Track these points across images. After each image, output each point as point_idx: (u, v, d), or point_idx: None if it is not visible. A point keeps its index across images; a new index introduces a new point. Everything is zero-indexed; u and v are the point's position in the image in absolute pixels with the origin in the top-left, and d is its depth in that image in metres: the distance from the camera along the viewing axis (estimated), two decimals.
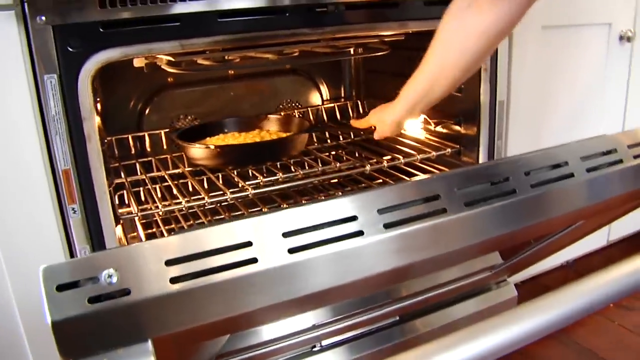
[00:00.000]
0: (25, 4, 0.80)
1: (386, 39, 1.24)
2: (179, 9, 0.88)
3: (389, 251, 0.55)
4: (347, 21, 1.02)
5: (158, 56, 1.06)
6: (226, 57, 1.12)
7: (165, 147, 1.45)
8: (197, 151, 1.22)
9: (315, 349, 1.10)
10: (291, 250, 0.50)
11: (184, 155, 1.33)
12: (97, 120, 0.91)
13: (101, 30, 0.85)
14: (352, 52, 1.32)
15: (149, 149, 1.44)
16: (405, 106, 1.01)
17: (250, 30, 0.94)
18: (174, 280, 0.44)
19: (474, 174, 0.61)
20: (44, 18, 0.81)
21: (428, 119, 1.40)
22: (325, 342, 1.10)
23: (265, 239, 0.49)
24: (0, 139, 0.83)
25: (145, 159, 1.37)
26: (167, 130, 1.44)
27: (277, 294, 0.49)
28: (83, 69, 0.85)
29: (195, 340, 0.58)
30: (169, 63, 1.06)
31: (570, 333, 1.47)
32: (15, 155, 0.85)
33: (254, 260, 0.48)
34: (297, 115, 1.59)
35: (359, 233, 0.53)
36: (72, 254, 0.91)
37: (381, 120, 1.09)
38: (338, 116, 1.68)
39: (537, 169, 0.65)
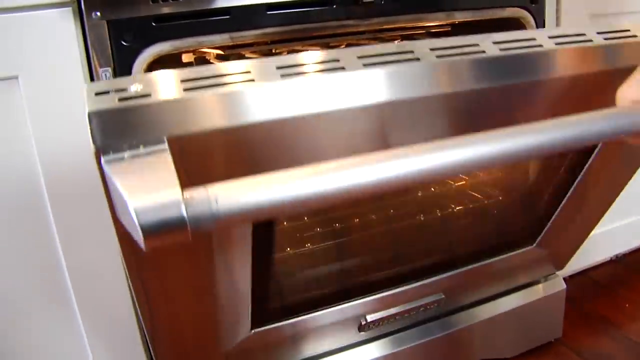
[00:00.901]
0: (82, 1, 0.83)
1: (432, 30, 1.23)
2: (229, 2, 0.89)
3: (369, 85, 0.63)
4: (393, 12, 1.03)
5: (207, 50, 1.07)
6: (273, 51, 1.13)
7: None
8: None
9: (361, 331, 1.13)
10: (283, 76, 0.59)
11: None
12: None
13: (153, 24, 0.87)
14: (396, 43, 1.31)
15: None
16: None
17: (298, 22, 0.95)
18: (186, 90, 0.55)
19: (447, 41, 0.69)
20: (99, 13, 0.84)
21: None
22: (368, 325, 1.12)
23: (262, 69, 0.60)
24: (60, 130, 0.86)
25: None
26: None
27: (273, 111, 0.59)
28: (136, 62, 0.87)
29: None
30: (218, 57, 1.08)
31: (623, 329, 1.44)
32: (73, 147, 0.87)
33: (251, 80, 0.58)
34: None
35: (341, 68, 0.62)
36: None
37: None
38: None
39: (506, 40, 0.70)
